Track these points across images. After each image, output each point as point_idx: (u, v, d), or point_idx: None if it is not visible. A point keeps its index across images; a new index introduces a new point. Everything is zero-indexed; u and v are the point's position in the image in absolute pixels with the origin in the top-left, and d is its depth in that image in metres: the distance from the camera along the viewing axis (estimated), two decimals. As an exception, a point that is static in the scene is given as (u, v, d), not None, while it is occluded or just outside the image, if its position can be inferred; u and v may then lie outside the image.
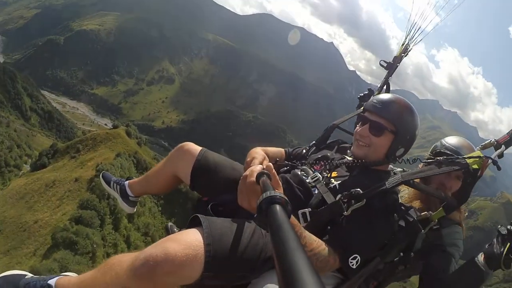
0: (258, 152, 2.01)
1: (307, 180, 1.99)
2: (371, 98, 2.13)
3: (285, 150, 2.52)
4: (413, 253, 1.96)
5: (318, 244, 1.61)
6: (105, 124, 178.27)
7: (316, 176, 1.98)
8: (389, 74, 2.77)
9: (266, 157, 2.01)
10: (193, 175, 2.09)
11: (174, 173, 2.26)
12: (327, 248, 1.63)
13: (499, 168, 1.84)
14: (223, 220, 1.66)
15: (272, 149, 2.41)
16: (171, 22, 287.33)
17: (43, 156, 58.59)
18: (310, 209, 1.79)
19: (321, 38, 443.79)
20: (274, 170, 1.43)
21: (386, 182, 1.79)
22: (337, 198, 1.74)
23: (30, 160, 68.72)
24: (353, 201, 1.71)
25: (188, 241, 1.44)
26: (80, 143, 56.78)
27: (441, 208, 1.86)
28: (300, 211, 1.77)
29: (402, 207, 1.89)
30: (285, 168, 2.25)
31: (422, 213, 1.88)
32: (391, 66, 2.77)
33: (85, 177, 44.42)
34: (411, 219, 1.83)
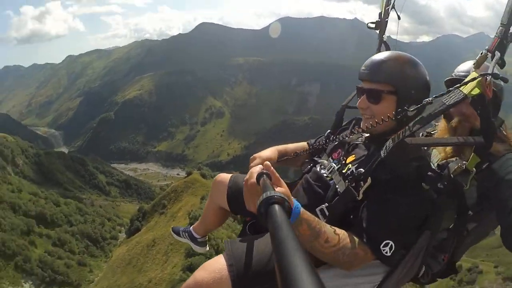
0: (265, 153, 2.08)
1: (324, 174, 1.89)
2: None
3: (307, 143, 2.43)
4: (471, 210, 1.76)
5: (342, 237, 1.48)
6: (177, 174, 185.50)
7: (332, 166, 1.88)
8: (382, 33, 2.53)
9: (267, 154, 2.09)
10: (229, 202, 2.20)
11: (218, 206, 2.39)
12: (353, 241, 1.50)
13: (505, 81, 1.58)
14: (247, 239, 1.73)
15: (292, 145, 2.42)
16: (200, 64, 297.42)
17: (135, 220, 61.69)
18: (326, 204, 1.70)
19: (343, 18, 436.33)
20: (272, 168, 1.37)
21: (381, 151, 1.55)
22: (346, 185, 1.62)
23: (123, 229, 72.03)
24: (361, 182, 1.56)
25: (213, 266, 1.58)
26: (164, 199, 59.03)
27: (473, 154, 1.61)
28: (317, 209, 1.70)
29: (430, 172, 1.59)
30: (308, 166, 2.14)
31: (455, 167, 1.59)
32: (380, 24, 2.54)
33: (182, 226, 47.01)
34: (445, 182, 1.57)
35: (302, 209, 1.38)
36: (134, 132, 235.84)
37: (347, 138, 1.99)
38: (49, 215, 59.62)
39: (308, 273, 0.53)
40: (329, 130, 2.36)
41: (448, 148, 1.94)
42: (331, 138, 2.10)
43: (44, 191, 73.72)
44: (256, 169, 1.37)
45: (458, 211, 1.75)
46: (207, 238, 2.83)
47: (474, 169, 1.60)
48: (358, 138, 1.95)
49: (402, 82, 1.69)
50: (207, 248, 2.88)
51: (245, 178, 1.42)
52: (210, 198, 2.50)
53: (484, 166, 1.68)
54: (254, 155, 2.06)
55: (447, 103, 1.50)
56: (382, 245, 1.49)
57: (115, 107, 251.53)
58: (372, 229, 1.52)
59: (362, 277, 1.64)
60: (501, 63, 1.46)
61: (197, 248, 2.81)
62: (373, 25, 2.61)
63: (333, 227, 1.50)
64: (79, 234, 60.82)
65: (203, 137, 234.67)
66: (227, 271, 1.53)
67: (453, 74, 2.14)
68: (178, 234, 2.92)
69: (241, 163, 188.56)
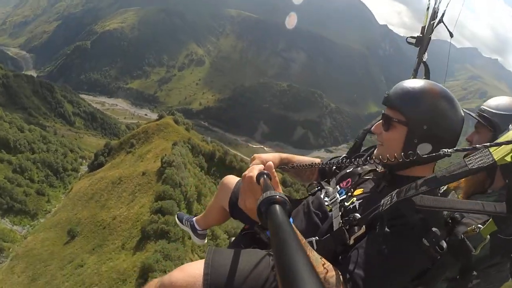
0: (260, 156, 1.94)
1: (326, 203, 1.79)
2: None
3: (321, 161, 2.21)
4: (477, 267, 1.64)
5: (327, 268, 1.36)
6: (145, 115, 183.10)
7: (335, 197, 1.76)
8: (422, 51, 2.27)
9: (269, 157, 1.95)
10: (230, 206, 2.21)
11: (221, 206, 2.42)
12: (336, 277, 1.37)
13: None
14: (232, 251, 1.67)
15: (299, 157, 2.27)
16: (190, 7, 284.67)
17: (99, 155, 60.20)
18: (317, 238, 1.60)
19: None
20: (274, 170, 1.34)
21: (381, 204, 1.41)
22: (339, 225, 1.53)
23: (84, 162, 71.04)
24: (355, 228, 1.47)
25: (191, 270, 1.55)
26: (133, 138, 57.93)
27: (490, 219, 1.49)
28: (307, 240, 1.57)
29: (434, 229, 1.39)
30: (315, 189, 2.03)
31: (468, 229, 1.52)
32: (421, 41, 2.26)
33: (152, 169, 44.40)
34: (456, 241, 1.50)
35: (293, 226, 1.17)
36: (108, 65, 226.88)
37: (359, 167, 1.88)
38: (12, 141, 59.08)
39: (309, 272, 0.53)
40: (344, 155, 2.16)
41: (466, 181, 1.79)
42: (343, 163, 1.95)
43: (9, 114, 72.79)
44: (257, 167, 1.33)
45: (461, 270, 1.61)
46: (207, 232, 2.89)
47: (488, 237, 1.46)
48: (369, 170, 1.82)
49: (414, 114, 1.53)
50: (205, 241, 2.93)
51: (244, 173, 1.37)
52: (216, 197, 2.50)
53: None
54: (255, 155, 1.90)
55: (469, 167, 1.26)
56: None
57: (93, 37, 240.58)
58: (357, 276, 1.38)
59: None
60: None
61: (196, 240, 2.86)
62: (413, 40, 2.32)
63: (321, 257, 1.39)
64: (41, 162, 60.18)
65: (178, 82, 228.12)
66: (201, 279, 1.51)
67: (481, 107, 1.96)
68: (181, 221, 2.98)
69: (212, 115, 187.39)
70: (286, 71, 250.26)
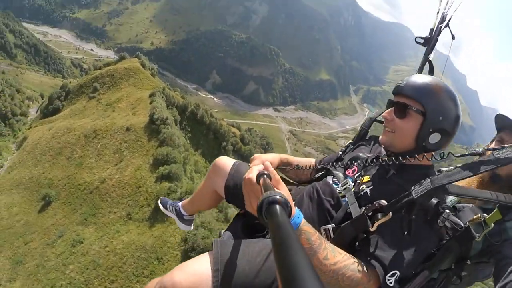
0: (260, 156, 1.98)
1: (338, 189, 1.81)
2: None
3: (315, 161, 2.35)
4: (470, 259, 1.69)
5: (344, 257, 1.42)
6: (91, 50, 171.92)
7: (347, 183, 1.78)
8: (428, 51, 2.40)
9: (268, 157, 1.99)
10: (226, 191, 2.12)
11: (213, 189, 2.31)
12: (357, 263, 1.43)
13: None
14: (239, 243, 1.61)
15: (297, 158, 2.34)
16: None
17: (55, 99, 53.64)
18: (333, 225, 1.64)
19: None
20: (272, 168, 1.35)
21: (413, 191, 1.46)
22: (361, 211, 1.55)
23: (32, 104, 63.10)
24: (378, 214, 1.49)
25: (195, 268, 1.47)
26: (96, 81, 52.38)
27: (496, 209, 1.57)
28: (322, 227, 1.64)
29: (447, 211, 1.53)
30: (319, 173, 2.14)
31: (474, 217, 1.57)
32: (429, 41, 2.39)
33: (138, 125, 39.90)
34: (460, 227, 1.55)
35: (303, 220, 1.33)
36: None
37: (363, 154, 1.97)
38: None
39: (310, 274, 0.53)
40: (350, 141, 2.27)
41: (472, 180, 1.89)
42: (350, 150, 2.11)
43: None
44: (256, 168, 1.34)
45: (458, 258, 1.66)
46: (194, 217, 2.78)
47: (492, 224, 1.53)
48: (376, 156, 1.86)
49: (433, 106, 1.63)
50: (192, 227, 2.83)
51: (244, 176, 1.37)
52: (207, 180, 2.36)
53: (495, 221, 1.58)
54: (254, 155, 1.96)
55: (496, 156, 1.42)
56: (390, 274, 1.43)
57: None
58: (383, 258, 1.45)
59: None
60: None
61: (182, 226, 2.74)
62: (421, 40, 2.46)
63: (336, 247, 1.43)
64: (-17, 106, 51.95)
65: (130, 16, 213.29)
66: (209, 276, 1.44)
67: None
68: (165, 207, 2.84)
69: (163, 58, 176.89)
70: (246, 22, 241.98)
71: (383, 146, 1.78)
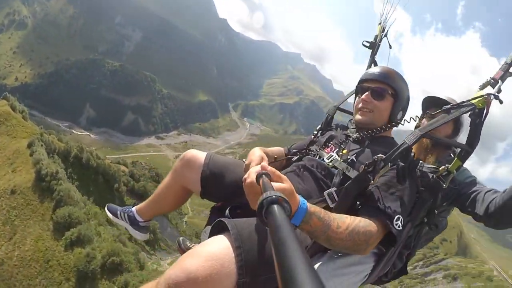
0: (255, 153, 2.00)
1: (325, 162, 2.00)
2: (364, 72, 2.25)
3: (284, 149, 2.52)
4: (436, 210, 2.04)
5: (351, 219, 1.54)
6: None
7: (332, 155, 2.01)
8: (374, 53, 2.88)
9: (265, 156, 1.99)
10: (203, 183, 2.05)
11: (183, 185, 2.21)
12: (364, 220, 1.57)
13: (501, 102, 1.87)
14: (248, 219, 1.57)
15: (271, 149, 2.39)
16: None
17: None
18: (335, 188, 1.78)
19: None
20: (270, 166, 1.39)
21: (406, 139, 1.80)
22: (360, 169, 1.73)
23: None
24: (377, 168, 1.69)
25: (211, 251, 1.34)
26: None
27: (456, 158, 1.93)
28: (325, 192, 1.77)
29: (421, 162, 1.89)
30: (296, 156, 2.27)
31: (440, 168, 1.92)
32: (374, 45, 2.89)
33: (24, 185, 33.09)
34: (432, 176, 1.89)
35: (308, 204, 1.39)
36: None
37: (335, 134, 2.31)
38: None
39: (308, 274, 0.54)
40: (318, 126, 2.55)
41: (418, 152, 2.44)
42: (320, 135, 2.45)
43: None
44: (254, 170, 1.36)
45: (429, 209, 1.98)
46: (150, 223, 2.56)
47: (455, 171, 1.90)
48: (347, 135, 2.19)
49: (401, 89, 2.08)
50: (148, 236, 2.59)
51: (243, 178, 1.40)
52: (173, 176, 2.23)
53: (445, 173, 1.94)
54: (251, 158, 1.94)
55: (464, 111, 1.88)
56: (396, 219, 1.61)
57: None
58: (387, 205, 1.64)
59: (361, 265, 1.76)
60: (499, 90, 1.85)
61: (136, 234, 2.49)
62: (367, 44, 2.91)
63: (340, 214, 1.56)
64: None
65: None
66: (231, 256, 1.35)
67: (434, 95, 2.62)
68: (114, 214, 2.57)
69: (29, 94, 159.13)
70: (120, 49, 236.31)
71: (360, 124, 2.13)
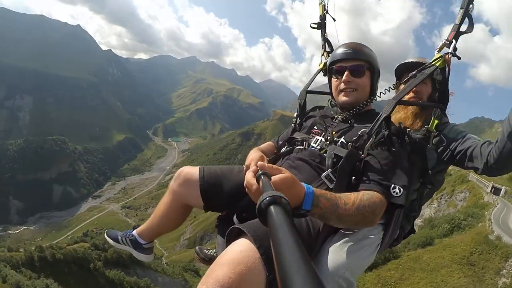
0: (253, 154, 2.08)
1: (313, 148, 2.04)
2: (333, 52, 2.26)
3: (273, 141, 2.53)
4: (431, 170, 2.19)
5: (355, 194, 1.61)
6: None
7: (318, 139, 2.06)
8: (324, 31, 2.92)
9: (264, 156, 2.10)
10: (204, 197, 2.05)
11: (183, 203, 2.21)
12: (366, 192, 1.65)
13: (459, 58, 2.03)
14: (256, 221, 1.53)
15: (264, 146, 2.45)
16: None
17: None
18: (330, 170, 1.83)
19: (65, 23, 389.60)
20: (268, 163, 1.52)
21: (383, 110, 1.89)
22: (348, 147, 1.83)
23: None
24: (363, 141, 1.79)
25: (236, 257, 1.33)
26: None
27: (432, 118, 2.10)
28: (322, 175, 1.83)
29: (406, 130, 1.97)
30: (285, 147, 2.30)
31: (420, 130, 2.11)
32: (321, 24, 2.93)
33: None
34: (415, 138, 2.03)
35: (313, 188, 1.45)
36: None
37: (318, 118, 2.31)
38: None
39: (307, 274, 0.54)
40: (296, 113, 2.56)
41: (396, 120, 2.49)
42: (300, 123, 2.47)
43: None
44: (250, 174, 1.40)
45: (421, 171, 2.13)
46: (153, 244, 2.58)
47: (434, 130, 2.10)
48: (329, 116, 2.25)
49: (373, 60, 2.12)
50: (153, 256, 2.60)
51: (245, 185, 1.43)
52: (172, 195, 2.22)
53: (436, 133, 2.12)
54: (251, 162, 1.98)
55: (428, 72, 2.04)
56: (391, 187, 1.70)
57: None
58: (381, 175, 1.73)
59: (371, 237, 1.84)
60: (454, 48, 2.04)
61: (141, 257, 2.51)
62: (315, 25, 2.96)
63: (343, 193, 1.63)
64: None
65: None
66: (256, 257, 1.33)
67: (406, 61, 2.66)
68: (115, 240, 2.56)
69: None
70: (16, 124, 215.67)
71: (346, 104, 2.13)
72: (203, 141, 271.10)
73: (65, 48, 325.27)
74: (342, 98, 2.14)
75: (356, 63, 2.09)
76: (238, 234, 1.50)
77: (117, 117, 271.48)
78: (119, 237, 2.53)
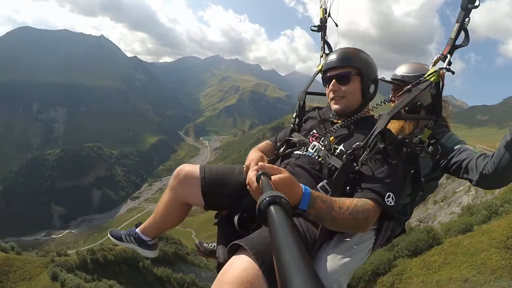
0: (253, 154, 2.12)
1: (311, 154, 2.06)
2: (325, 61, 2.25)
3: (271, 141, 2.55)
4: (423, 178, 2.22)
5: (350, 200, 1.67)
6: None
7: (315, 145, 2.07)
8: (323, 34, 2.95)
9: (264, 156, 2.14)
10: (205, 196, 2.07)
11: (183, 201, 2.22)
12: (361, 199, 1.70)
13: (453, 73, 2.05)
14: (260, 232, 1.66)
15: (264, 146, 2.47)
16: None
17: None
18: (326, 181, 1.86)
19: (89, 35, 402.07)
20: (268, 163, 1.58)
21: (378, 124, 1.90)
22: (343, 160, 1.83)
23: None
24: (358, 155, 1.82)
25: (238, 275, 1.37)
26: None
27: (425, 128, 2.15)
28: (318, 186, 1.84)
29: (404, 140, 2.01)
30: (282, 149, 2.33)
31: (414, 139, 2.11)
32: (321, 27, 2.96)
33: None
34: (408, 148, 2.02)
35: (310, 189, 1.51)
36: None
37: (316, 123, 2.28)
38: None
39: (307, 273, 0.54)
40: (295, 114, 2.56)
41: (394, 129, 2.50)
42: (299, 124, 2.46)
43: None
44: (251, 174, 1.43)
45: (414, 177, 2.13)
46: (157, 240, 2.56)
47: (427, 140, 2.10)
48: (328, 120, 2.25)
49: (363, 65, 2.07)
50: (158, 251, 2.59)
51: (247, 182, 1.48)
52: (172, 193, 2.21)
53: (433, 141, 2.13)
54: (251, 162, 2.02)
55: (422, 87, 1.98)
56: (386, 196, 1.72)
57: None
58: (376, 185, 1.75)
59: (364, 242, 1.90)
60: (449, 63, 2.00)
61: (146, 253, 2.53)
62: (315, 28, 2.95)
63: (339, 198, 1.67)
64: None
65: None
66: (258, 274, 1.39)
67: (394, 74, 2.69)
68: (119, 239, 2.59)
69: None
70: (51, 135, 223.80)
71: (338, 112, 2.16)
72: (234, 138, 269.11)
73: (91, 59, 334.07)
74: (333, 106, 2.17)
75: (341, 71, 2.09)
76: (239, 247, 1.53)
77: (148, 121, 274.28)
78: (123, 236, 2.56)
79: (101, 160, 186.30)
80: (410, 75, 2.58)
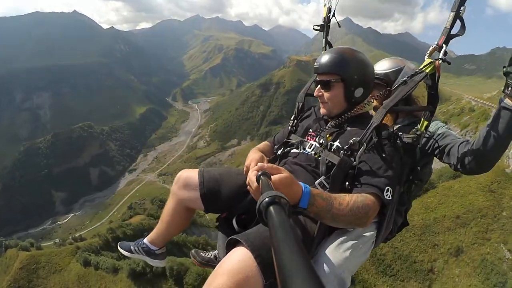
0: (254, 154, 2.15)
1: (308, 152, 2.09)
2: None
3: (269, 141, 2.57)
4: (419, 167, 2.25)
5: (349, 196, 1.68)
6: None
7: (312, 144, 2.11)
8: (326, 34, 2.91)
9: (264, 156, 2.17)
10: (204, 200, 2.10)
11: (185, 206, 2.25)
12: (360, 195, 1.72)
13: (449, 63, 2.03)
14: (258, 227, 1.66)
15: (263, 146, 2.48)
16: None
17: None
18: (324, 177, 1.88)
19: (61, 12, 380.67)
20: (268, 163, 1.61)
21: (374, 118, 1.93)
22: (341, 156, 1.86)
23: None
24: (355, 150, 1.84)
25: (233, 267, 1.41)
26: None
27: (422, 119, 2.16)
28: (316, 182, 1.87)
29: (400, 133, 2.10)
30: (284, 150, 2.33)
31: (412, 130, 2.17)
32: (324, 27, 2.92)
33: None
34: (407, 140, 2.09)
35: (310, 187, 1.54)
36: None
37: (312, 122, 2.35)
38: None
39: (307, 273, 0.54)
40: (294, 115, 2.56)
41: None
42: (296, 124, 2.48)
43: None
44: (252, 174, 1.47)
45: (411, 166, 2.17)
46: (165, 249, 2.61)
47: (424, 131, 2.16)
48: (323, 120, 2.28)
49: (346, 70, 2.04)
50: (166, 260, 2.64)
51: (247, 182, 1.54)
52: (174, 199, 2.28)
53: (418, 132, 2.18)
54: (251, 162, 2.05)
55: (418, 79, 2.02)
56: (385, 191, 1.76)
57: None
58: (374, 180, 1.80)
59: (366, 235, 1.92)
60: (445, 53, 2.02)
61: (155, 263, 2.57)
62: (318, 27, 2.95)
63: (338, 194, 1.70)
64: None
65: None
66: (253, 266, 1.42)
67: (376, 72, 2.61)
68: (128, 251, 2.60)
69: None
70: (40, 122, 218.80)
71: (324, 115, 2.22)
72: (222, 98, 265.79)
73: (68, 37, 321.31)
74: (321, 109, 2.23)
75: (323, 77, 2.11)
76: (237, 242, 1.55)
77: (134, 91, 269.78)
78: (132, 247, 2.57)
79: (93, 139, 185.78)
80: (390, 70, 2.60)
